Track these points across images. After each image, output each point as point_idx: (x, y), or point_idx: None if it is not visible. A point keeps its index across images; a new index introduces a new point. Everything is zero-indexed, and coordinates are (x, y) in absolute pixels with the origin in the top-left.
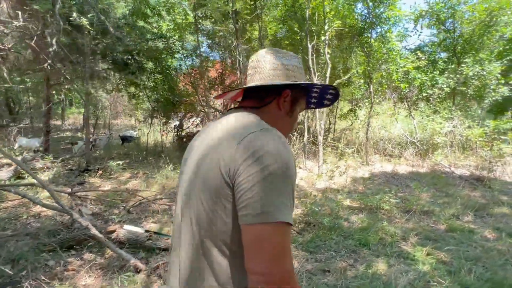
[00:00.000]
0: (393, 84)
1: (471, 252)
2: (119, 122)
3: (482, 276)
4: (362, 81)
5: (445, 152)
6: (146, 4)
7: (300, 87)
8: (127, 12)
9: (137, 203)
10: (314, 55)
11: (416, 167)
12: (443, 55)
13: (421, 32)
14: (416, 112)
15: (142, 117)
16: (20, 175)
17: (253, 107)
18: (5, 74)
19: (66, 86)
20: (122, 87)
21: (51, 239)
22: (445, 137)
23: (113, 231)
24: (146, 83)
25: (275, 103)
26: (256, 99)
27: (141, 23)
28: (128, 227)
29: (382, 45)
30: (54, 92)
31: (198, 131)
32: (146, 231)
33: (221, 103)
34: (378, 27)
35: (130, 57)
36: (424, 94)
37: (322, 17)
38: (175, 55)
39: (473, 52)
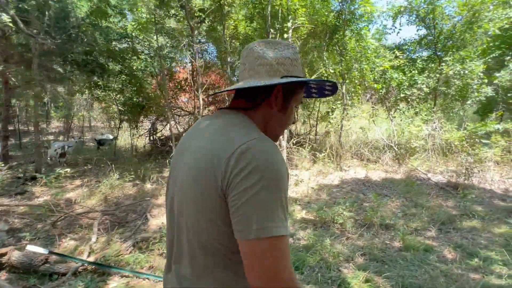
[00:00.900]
0: (367, 85)
1: (418, 278)
2: (100, 125)
3: None
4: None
5: (423, 157)
6: (106, 2)
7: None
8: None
9: (62, 217)
10: None
11: (391, 173)
12: (426, 53)
13: (400, 29)
14: (397, 113)
15: (107, 120)
16: None
17: (245, 108)
18: None
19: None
20: (86, 89)
21: None
22: (423, 141)
23: (4, 254)
24: (111, 85)
25: (266, 103)
26: (247, 98)
27: (105, 23)
28: (32, 248)
29: (356, 43)
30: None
31: (185, 131)
32: (50, 252)
33: (192, 105)
34: (353, 24)
35: (90, 57)
36: (402, 95)
37: (286, 14)
38: (140, 56)
39: (454, 50)
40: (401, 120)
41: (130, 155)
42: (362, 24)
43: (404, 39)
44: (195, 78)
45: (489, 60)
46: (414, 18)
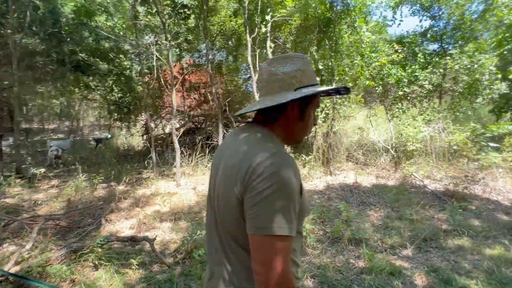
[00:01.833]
0: (357, 82)
1: None
2: (103, 123)
3: None
4: (324, 78)
5: (420, 161)
6: (91, 1)
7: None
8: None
9: (11, 221)
10: (259, 50)
11: (385, 179)
12: (431, 47)
13: (401, 20)
14: (397, 113)
15: (96, 120)
16: None
17: (266, 122)
18: None
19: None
20: (75, 89)
21: None
22: (420, 144)
23: None
24: (100, 84)
25: (284, 117)
26: (265, 114)
27: (91, 22)
28: None
29: (347, 37)
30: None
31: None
32: None
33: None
34: (347, 16)
35: (77, 56)
36: (400, 93)
37: (266, 7)
38: (126, 55)
39: (462, 42)
40: (399, 121)
41: (116, 154)
42: (359, 16)
43: (407, 31)
44: (185, 77)
45: (505, 52)
46: (418, 8)
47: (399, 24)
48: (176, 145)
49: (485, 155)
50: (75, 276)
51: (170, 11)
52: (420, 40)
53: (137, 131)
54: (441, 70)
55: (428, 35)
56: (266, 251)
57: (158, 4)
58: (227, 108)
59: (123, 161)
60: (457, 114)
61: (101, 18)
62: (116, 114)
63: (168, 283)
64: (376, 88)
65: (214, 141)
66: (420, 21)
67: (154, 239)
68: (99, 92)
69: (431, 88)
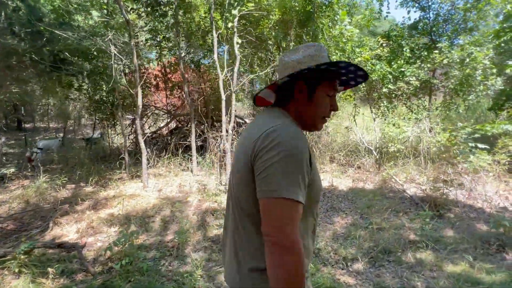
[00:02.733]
0: None
1: None
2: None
3: None
4: None
5: (403, 163)
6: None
7: (319, 70)
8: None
9: None
10: (227, 46)
11: (363, 182)
12: (424, 40)
13: (388, 13)
14: (381, 112)
15: (77, 119)
16: None
17: (280, 104)
18: None
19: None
20: (59, 88)
21: None
22: (402, 145)
23: None
24: (84, 84)
25: (293, 98)
26: (278, 97)
27: (70, 21)
28: None
29: (325, 32)
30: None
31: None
32: None
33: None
34: (328, 9)
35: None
36: (385, 90)
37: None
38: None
39: (449, 34)
40: (385, 120)
41: (98, 154)
42: (342, 8)
43: (396, 24)
44: (168, 76)
45: (502, 45)
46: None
47: (386, 16)
48: (142, 146)
49: (469, 157)
50: None
51: (145, 8)
52: (408, 33)
53: (121, 131)
54: (429, 65)
55: (420, 28)
56: (275, 213)
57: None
58: (203, 107)
59: (104, 161)
60: (448, 112)
61: (79, 17)
62: (100, 114)
63: None
64: (361, 86)
65: (187, 141)
66: (408, 12)
67: (83, 246)
68: (83, 92)
69: (418, 85)
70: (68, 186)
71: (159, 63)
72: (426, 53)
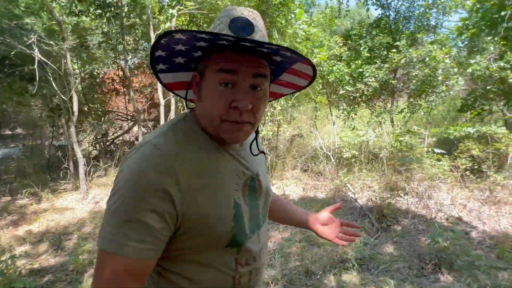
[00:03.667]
0: None
1: None
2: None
3: None
4: None
5: (360, 169)
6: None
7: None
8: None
9: None
10: None
11: (318, 190)
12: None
13: (347, 11)
14: (346, 115)
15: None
16: None
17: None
18: None
19: None
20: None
21: None
22: (356, 151)
23: None
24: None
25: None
26: None
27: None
28: None
29: (276, 32)
30: None
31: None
32: None
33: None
34: (284, 8)
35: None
36: (342, 92)
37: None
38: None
39: (407, 32)
40: (344, 123)
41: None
42: (299, 7)
43: (358, 22)
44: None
45: (466, 43)
46: None
47: (346, 14)
48: (79, 155)
49: (421, 163)
50: None
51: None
52: (367, 32)
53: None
54: (387, 66)
55: (382, 26)
56: (96, 265)
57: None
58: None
59: (51, 171)
60: (411, 115)
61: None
62: (56, 121)
63: None
64: (316, 87)
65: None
66: (367, 10)
67: None
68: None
69: (377, 86)
70: (3, 198)
71: (118, 66)
72: (385, 53)
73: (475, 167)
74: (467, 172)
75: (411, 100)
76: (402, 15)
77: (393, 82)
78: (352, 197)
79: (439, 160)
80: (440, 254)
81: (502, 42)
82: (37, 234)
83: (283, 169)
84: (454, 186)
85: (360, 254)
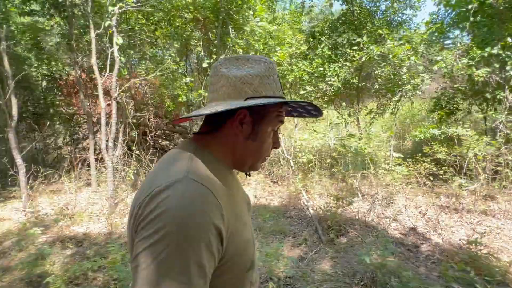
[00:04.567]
0: None
1: None
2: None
3: None
4: None
5: (312, 175)
6: None
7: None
8: None
9: None
10: (113, 49)
11: (273, 197)
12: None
13: (311, 6)
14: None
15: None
16: None
17: (205, 133)
18: None
19: None
20: None
21: None
22: (311, 155)
23: None
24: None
25: (228, 129)
26: (208, 123)
27: None
28: None
29: (231, 30)
30: None
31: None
32: None
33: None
34: (244, 5)
35: None
36: (302, 92)
37: None
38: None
39: (368, 27)
40: (306, 125)
41: None
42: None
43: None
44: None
45: (434, 38)
46: None
47: (310, 11)
48: (19, 162)
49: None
50: None
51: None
52: (330, 29)
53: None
54: (348, 64)
55: (347, 22)
56: None
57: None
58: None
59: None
60: (377, 117)
61: None
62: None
63: None
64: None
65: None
66: (330, 5)
67: None
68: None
69: (339, 86)
70: None
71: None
72: (348, 50)
73: (440, 172)
74: (431, 177)
75: (381, 100)
76: (367, 11)
77: (354, 81)
78: (305, 204)
79: (398, 165)
80: (374, 273)
81: (469, 37)
82: None
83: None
84: (417, 192)
85: (293, 271)
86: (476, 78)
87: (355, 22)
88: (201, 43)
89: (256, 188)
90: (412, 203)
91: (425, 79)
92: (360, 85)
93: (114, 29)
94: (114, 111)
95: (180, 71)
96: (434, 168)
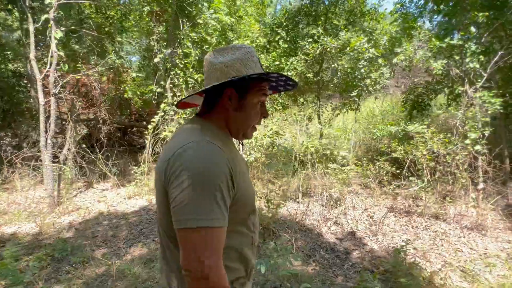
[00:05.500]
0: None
1: None
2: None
3: None
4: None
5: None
6: None
7: (250, 77)
8: None
9: None
10: (56, 42)
11: None
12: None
13: None
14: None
15: None
16: None
17: (204, 112)
18: None
19: None
20: None
21: None
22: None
23: None
24: None
25: (220, 105)
26: (205, 104)
27: None
28: None
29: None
30: None
31: None
32: None
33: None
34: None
35: None
36: None
37: None
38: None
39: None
40: (263, 121)
41: None
42: None
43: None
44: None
45: (398, 30)
46: None
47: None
48: None
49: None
50: None
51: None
52: (288, 20)
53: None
54: (303, 57)
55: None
56: (187, 245)
57: None
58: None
59: None
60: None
61: None
62: None
63: None
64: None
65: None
66: None
67: None
68: None
69: (298, 80)
70: None
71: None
72: (304, 43)
73: (397, 172)
74: (386, 178)
75: (343, 95)
76: (327, 1)
77: (309, 75)
78: None
79: (343, 165)
80: (279, 283)
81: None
82: None
83: None
84: (373, 193)
85: None
86: (434, 72)
87: (313, 13)
88: (154, 37)
89: None
90: (363, 205)
91: (384, 73)
92: (319, 79)
93: (52, 22)
94: (52, 107)
95: (127, 65)
96: (389, 168)
